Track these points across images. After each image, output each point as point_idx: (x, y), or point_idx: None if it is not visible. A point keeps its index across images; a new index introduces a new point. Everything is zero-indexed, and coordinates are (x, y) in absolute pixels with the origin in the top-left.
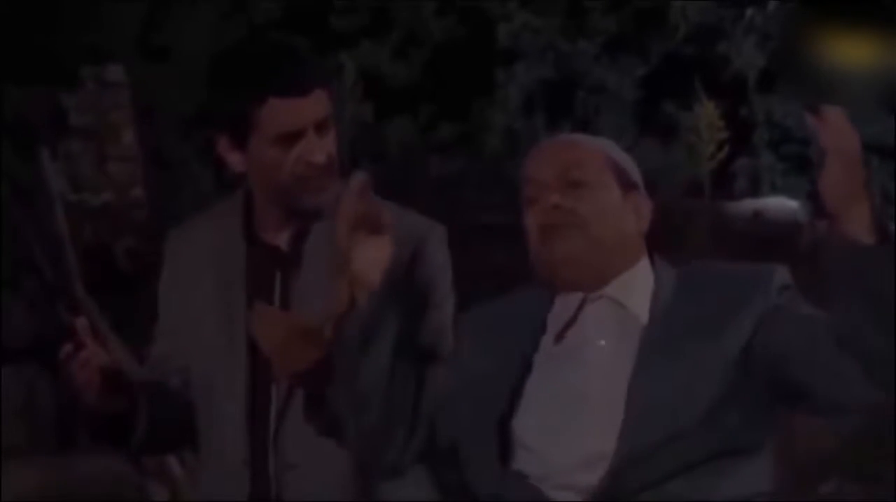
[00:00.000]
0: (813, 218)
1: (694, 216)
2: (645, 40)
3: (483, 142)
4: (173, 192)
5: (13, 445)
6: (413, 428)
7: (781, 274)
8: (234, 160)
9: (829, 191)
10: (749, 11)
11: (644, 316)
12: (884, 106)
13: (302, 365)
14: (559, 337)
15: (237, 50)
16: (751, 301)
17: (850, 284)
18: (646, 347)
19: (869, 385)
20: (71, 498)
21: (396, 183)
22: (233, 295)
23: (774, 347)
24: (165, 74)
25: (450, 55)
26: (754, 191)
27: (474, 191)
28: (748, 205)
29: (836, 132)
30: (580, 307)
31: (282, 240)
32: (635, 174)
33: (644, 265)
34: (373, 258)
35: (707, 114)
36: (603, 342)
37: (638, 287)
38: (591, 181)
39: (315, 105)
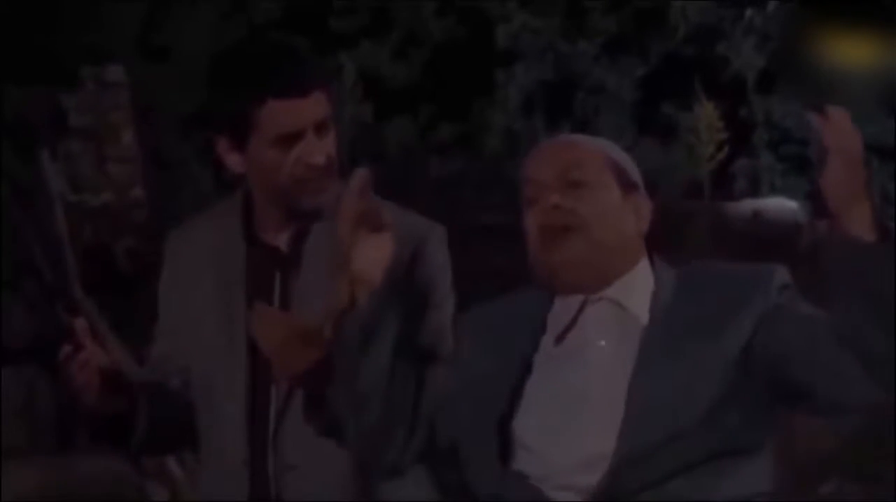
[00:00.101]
0: (812, 218)
1: (693, 217)
2: (644, 41)
3: (483, 142)
4: (173, 193)
5: (13, 446)
6: (413, 429)
7: (781, 273)
8: (234, 161)
9: (831, 190)
10: (749, 12)
11: (644, 316)
12: (884, 106)
13: (301, 365)
14: (559, 338)
15: (237, 50)
16: (751, 301)
17: (851, 283)
18: (646, 347)
19: (869, 384)
20: (71, 499)
21: (396, 183)
22: (233, 295)
23: (774, 347)
24: (165, 75)
25: (449, 56)
26: (754, 191)
27: (474, 191)
28: (748, 205)
29: (839, 131)
30: (580, 309)
31: (281, 240)
32: (635, 174)
33: (644, 266)
34: (374, 256)
35: (706, 114)
36: (603, 343)
37: (638, 288)
38: (592, 181)
39: (315, 106)
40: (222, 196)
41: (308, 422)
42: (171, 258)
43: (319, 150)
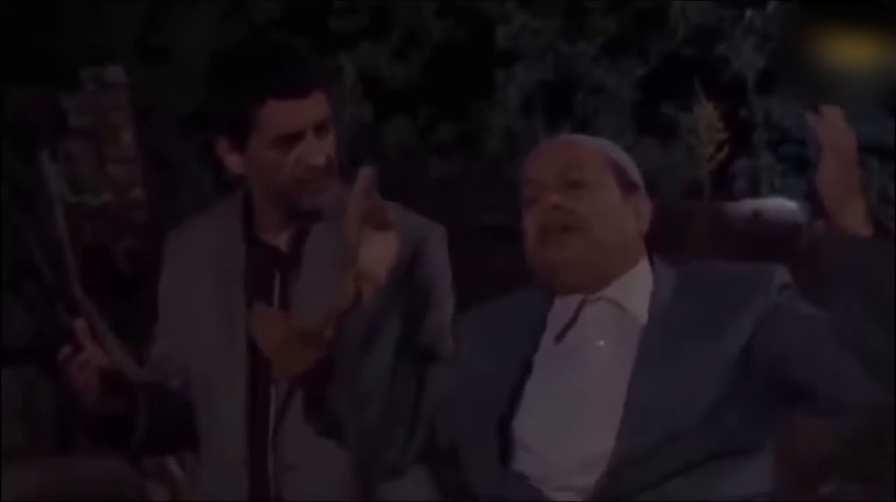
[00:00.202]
0: (812, 218)
1: (693, 217)
2: (644, 41)
3: (482, 143)
4: (173, 193)
5: (13, 446)
6: (413, 429)
7: (781, 273)
8: (234, 161)
9: (826, 188)
10: (748, 12)
11: (643, 317)
12: (884, 106)
13: (301, 366)
14: (559, 337)
15: (237, 51)
16: (751, 301)
17: (849, 281)
18: (645, 347)
19: (870, 384)
20: (70, 499)
21: (396, 184)
22: (232, 295)
23: (774, 347)
24: (165, 75)
25: (449, 56)
26: (754, 191)
27: (474, 191)
28: (748, 205)
29: (833, 130)
30: (579, 308)
31: (281, 241)
32: (636, 174)
33: (644, 266)
34: (380, 255)
35: (706, 115)
36: (602, 343)
37: (637, 288)
38: (592, 181)
39: (314, 107)
40: (222, 196)
41: (308, 422)
42: (171, 258)
43: (319, 151)
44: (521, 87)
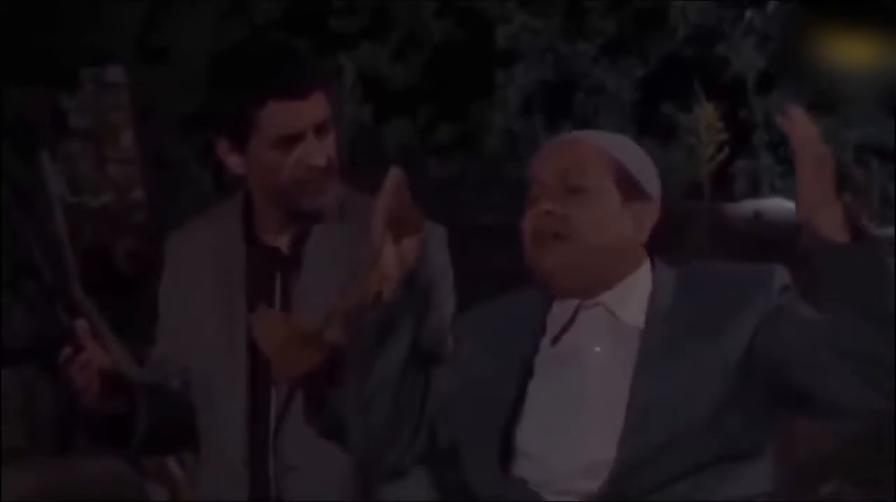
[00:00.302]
0: None
1: (693, 217)
2: (644, 42)
3: (482, 143)
4: (173, 194)
5: (13, 446)
6: (417, 430)
7: (781, 274)
8: (234, 162)
9: (801, 192)
10: (748, 13)
11: (639, 324)
12: (884, 106)
13: (302, 367)
14: (555, 340)
15: (237, 51)
16: (751, 301)
17: (834, 288)
18: (646, 348)
19: (870, 389)
20: (70, 500)
21: None
22: (233, 296)
23: (775, 350)
24: (165, 75)
25: (449, 56)
26: (754, 192)
27: (474, 192)
28: (748, 206)
29: (803, 134)
30: (576, 312)
31: (282, 241)
32: (646, 179)
33: (644, 271)
34: (402, 255)
35: (706, 115)
36: (598, 349)
37: (634, 295)
38: (590, 187)
39: (315, 107)
40: (222, 196)
41: (309, 423)
42: (172, 259)
43: (319, 152)
44: (520, 88)
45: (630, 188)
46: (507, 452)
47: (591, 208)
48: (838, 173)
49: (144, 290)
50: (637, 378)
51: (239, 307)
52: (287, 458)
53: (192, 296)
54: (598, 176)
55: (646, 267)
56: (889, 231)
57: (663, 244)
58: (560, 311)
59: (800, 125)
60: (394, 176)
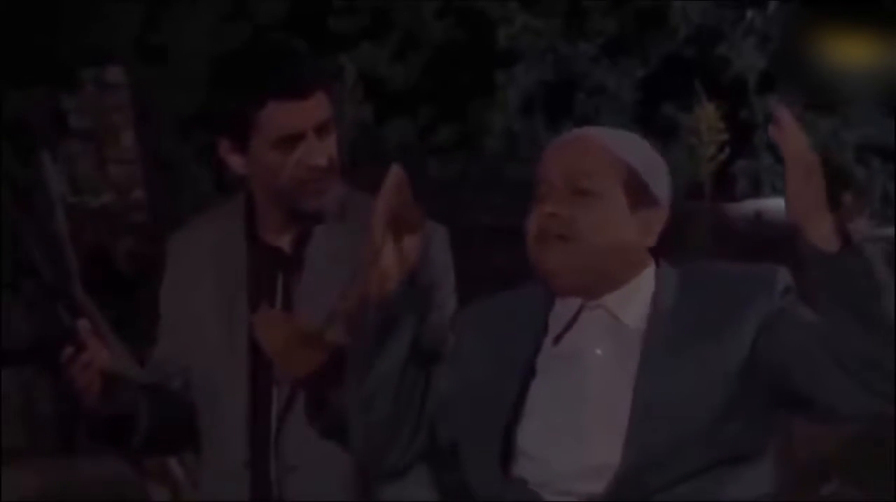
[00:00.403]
0: None
1: (695, 218)
2: (645, 42)
3: (482, 143)
4: (173, 194)
5: (13, 446)
6: (417, 428)
7: (783, 275)
8: (236, 162)
9: (791, 200)
10: (749, 13)
11: (641, 327)
12: (884, 106)
13: (305, 367)
14: (558, 338)
15: (238, 52)
16: (753, 302)
17: (827, 292)
18: (649, 347)
19: (868, 393)
20: (71, 500)
21: None
22: (234, 296)
23: (776, 354)
24: (165, 76)
25: (449, 57)
26: (755, 192)
27: (474, 192)
28: (749, 206)
29: (791, 140)
30: (578, 312)
31: (284, 241)
32: (656, 180)
33: (648, 274)
34: (404, 253)
35: (707, 115)
36: (599, 352)
37: (638, 298)
38: (599, 191)
39: (316, 108)
40: (222, 197)
41: (310, 424)
42: (173, 259)
43: (321, 152)
44: (521, 88)
45: (638, 191)
46: (507, 452)
47: (597, 211)
48: (839, 173)
49: (145, 290)
50: (640, 378)
51: (240, 307)
52: (288, 458)
53: (193, 296)
54: (608, 181)
55: (650, 270)
56: (889, 230)
57: (668, 246)
58: (563, 310)
59: (789, 133)
60: (394, 174)
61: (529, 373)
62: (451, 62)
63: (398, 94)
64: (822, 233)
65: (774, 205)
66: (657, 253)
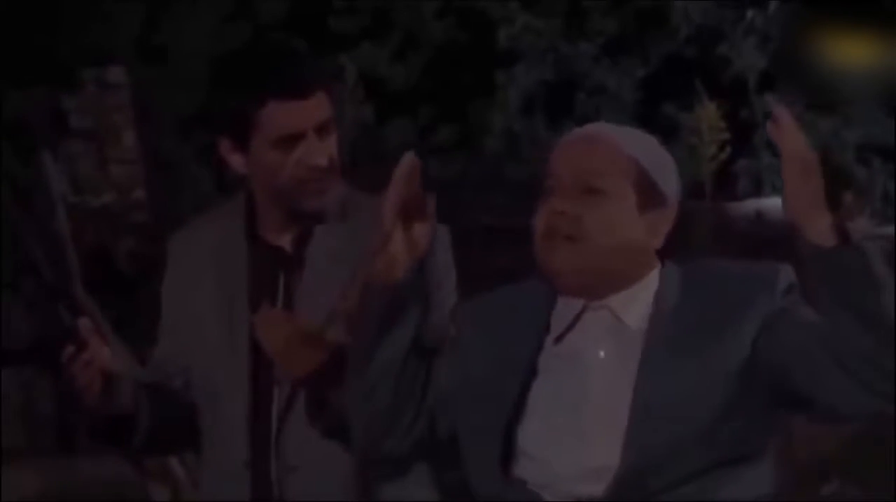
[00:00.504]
0: None
1: (696, 217)
2: (646, 41)
3: (483, 143)
4: (174, 194)
5: (13, 446)
6: (417, 417)
7: (786, 273)
8: (236, 162)
9: (789, 199)
10: (750, 13)
11: (643, 328)
12: (884, 106)
13: (306, 367)
14: (559, 338)
15: (239, 52)
16: (755, 301)
17: (826, 290)
18: (650, 345)
19: (868, 393)
20: (71, 500)
21: None
22: (235, 295)
23: (777, 354)
24: (166, 76)
25: (450, 57)
26: (756, 191)
27: (474, 192)
28: (750, 205)
29: (789, 138)
30: (581, 312)
31: (284, 241)
32: (665, 180)
33: (653, 276)
34: (413, 241)
35: (708, 115)
36: (602, 353)
37: (642, 299)
38: (608, 191)
39: (316, 107)
40: (222, 197)
41: (311, 423)
42: (174, 258)
43: (321, 152)
44: (521, 88)
45: (648, 192)
46: (508, 452)
47: (606, 211)
48: (839, 172)
49: (146, 290)
50: (640, 378)
51: (241, 307)
52: (289, 458)
53: (194, 295)
54: (619, 182)
55: (655, 273)
56: (889, 230)
57: (673, 247)
58: (565, 309)
59: (787, 131)
60: (408, 161)
61: (531, 372)
62: (452, 62)
63: (398, 94)
64: (819, 231)
65: (775, 204)
66: (663, 254)
